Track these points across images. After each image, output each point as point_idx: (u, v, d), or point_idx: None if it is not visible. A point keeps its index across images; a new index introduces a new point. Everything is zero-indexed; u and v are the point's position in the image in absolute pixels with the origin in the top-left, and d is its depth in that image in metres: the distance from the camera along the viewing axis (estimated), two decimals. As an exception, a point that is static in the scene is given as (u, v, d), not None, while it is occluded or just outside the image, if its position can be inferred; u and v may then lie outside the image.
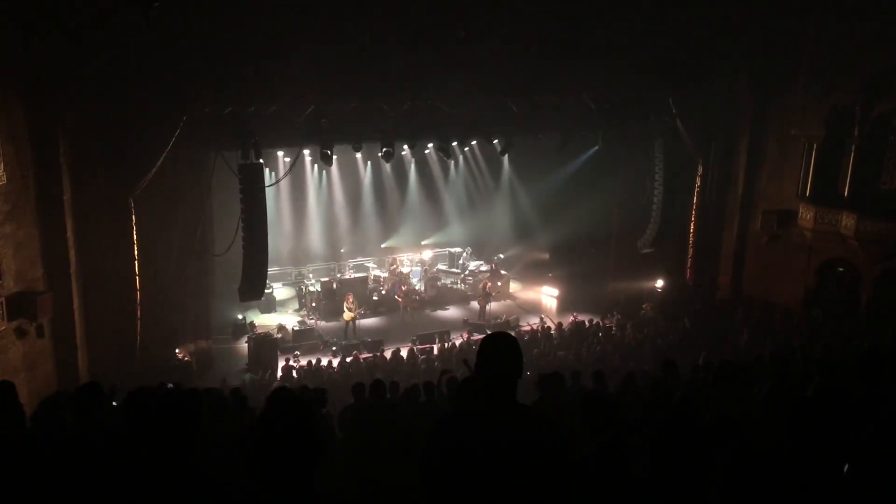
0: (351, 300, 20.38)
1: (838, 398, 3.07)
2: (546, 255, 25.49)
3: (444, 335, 19.61)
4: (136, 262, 15.94)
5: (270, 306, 22.21)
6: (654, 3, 16.57)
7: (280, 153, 21.10)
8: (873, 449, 3.18)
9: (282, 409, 2.64)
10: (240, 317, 20.73)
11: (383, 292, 23.05)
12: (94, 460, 2.70)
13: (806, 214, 19.55)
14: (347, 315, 20.21)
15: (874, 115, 18.37)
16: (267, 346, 18.29)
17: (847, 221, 18.43)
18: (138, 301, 16.14)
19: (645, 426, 4.07)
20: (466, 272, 24.81)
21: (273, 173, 20.91)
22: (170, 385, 7.34)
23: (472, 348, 17.57)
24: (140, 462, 2.95)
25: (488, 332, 3.51)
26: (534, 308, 23.48)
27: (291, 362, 17.45)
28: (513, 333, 17.67)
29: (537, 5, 16.30)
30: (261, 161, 16.75)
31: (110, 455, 2.78)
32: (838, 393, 3.09)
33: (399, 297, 22.17)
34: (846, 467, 3.01)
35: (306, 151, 20.82)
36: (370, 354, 17.98)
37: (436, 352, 18.12)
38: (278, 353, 18.39)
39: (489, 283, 22.45)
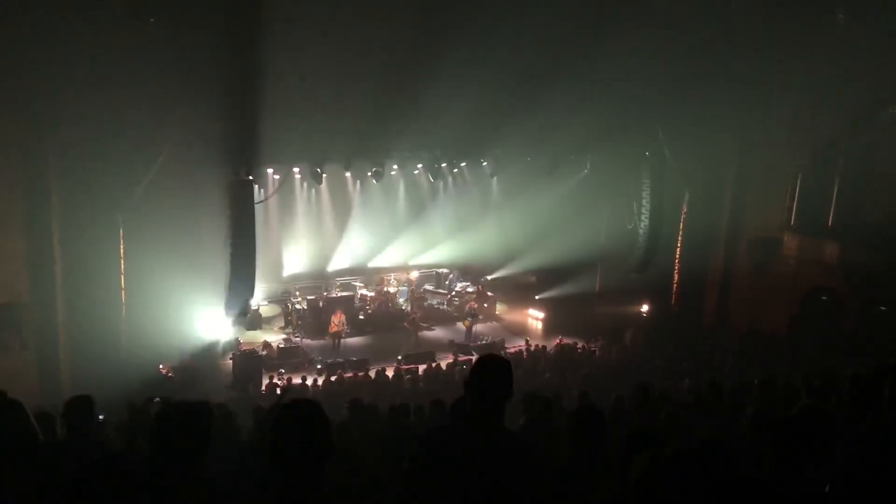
0: (340, 316, 20.34)
1: (820, 419, 3.12)
2: (533, 278, 25.54)
3: (429, 355, 19.56)
4: (121, 277, 15.89)
5: (256, 323, 22.08)
6: (644, 34, 16.77)
7: (269, 170, 21.08)
8: (854, 471, 3.23)
9: (294, 408, 2.67)
10: (224, 333, 20.59)
11: (370, 311, 23.01)
12: (95, 476, 2.70)
13: (791, 243, 19.76)
14: (333, 328, 20.15)
15: (858, 146, 18.63)
16: (251, 363, 18.17)
17: (831, 250, 18.63)
18: (123, 316, 16.07)
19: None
20: (453, 293, 24.80)
21: (262, 190, 20.86)
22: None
23: (457, 369, 17.54)
24: (150, 476, 2.94)
25: (474, 353, 3.56)
26: (520, 330, 23.47)
27: (276, 380, 17.34)
28: (501, 354, 17.52)
29: (529, 29, 16.49)
30: (250, 178, 16.77)
31: (113, 470, 2.78)
32: (820, 413, 3.14)
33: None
34: (827, 487, 3.06)
35: (296, 169, 20.83)
36: (352, 373, 17.88)
37: (421, 372, 18.05)
38: (263, 370, 18.27)
39: (475, 305, 22.43)
